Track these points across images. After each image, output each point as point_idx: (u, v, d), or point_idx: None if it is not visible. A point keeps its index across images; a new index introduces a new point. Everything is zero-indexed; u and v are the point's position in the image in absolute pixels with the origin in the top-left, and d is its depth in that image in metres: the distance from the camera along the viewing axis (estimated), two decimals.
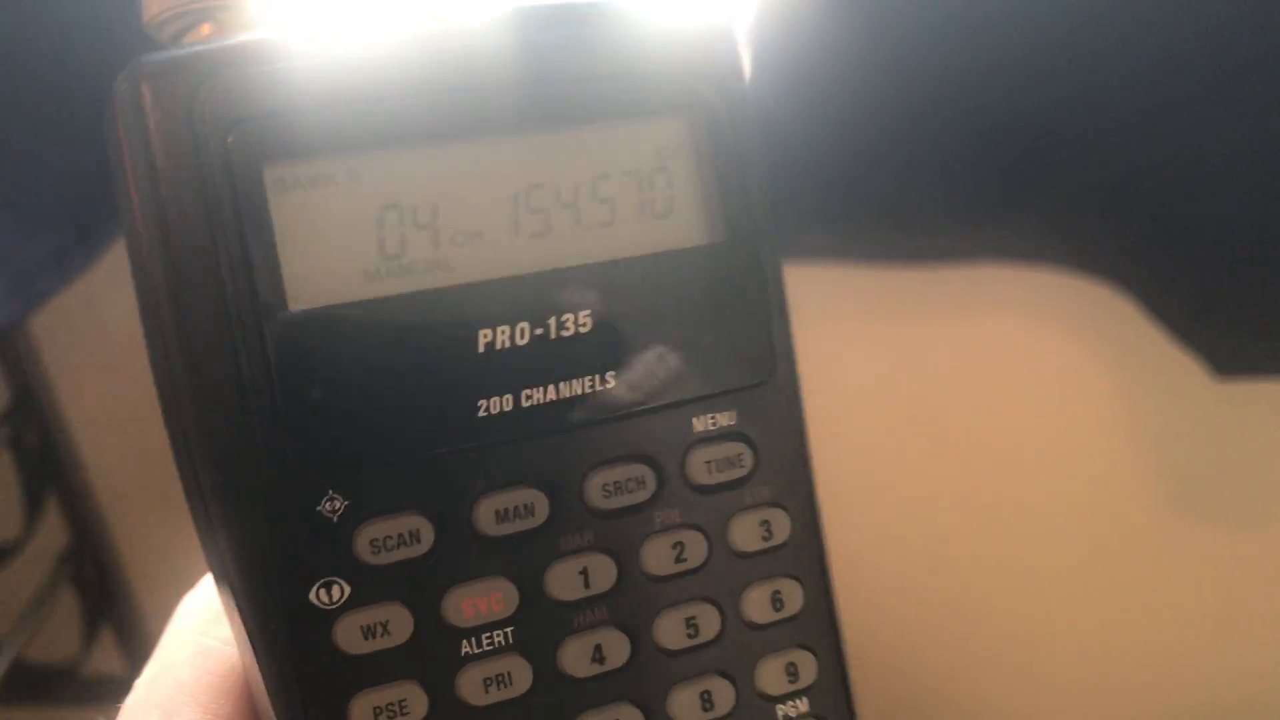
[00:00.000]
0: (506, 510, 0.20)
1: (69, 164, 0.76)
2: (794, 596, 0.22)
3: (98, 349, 0.94)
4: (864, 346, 0.79)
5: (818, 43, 0.64)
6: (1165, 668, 0.85)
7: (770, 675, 0.22)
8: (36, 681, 0.96)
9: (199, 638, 0.24)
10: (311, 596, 0.19)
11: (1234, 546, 0.80)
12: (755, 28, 0.66)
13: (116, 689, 0.86)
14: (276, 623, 0.19)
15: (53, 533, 0.94)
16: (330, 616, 0.20)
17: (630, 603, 0.21)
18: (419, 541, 0.20)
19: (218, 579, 0.21)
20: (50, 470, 0.92)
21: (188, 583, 0.94)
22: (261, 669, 0.20)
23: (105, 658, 0.99)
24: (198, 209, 0.19)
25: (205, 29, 0.20)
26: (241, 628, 0.20)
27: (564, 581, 0.21)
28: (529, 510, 0.20)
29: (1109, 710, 0.87)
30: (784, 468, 0.23)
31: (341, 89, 0.19)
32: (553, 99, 0.20)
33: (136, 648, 1.00)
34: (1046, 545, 0.83)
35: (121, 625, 1.00)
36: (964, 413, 0.80)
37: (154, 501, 1.00)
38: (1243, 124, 0.63)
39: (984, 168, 0.69)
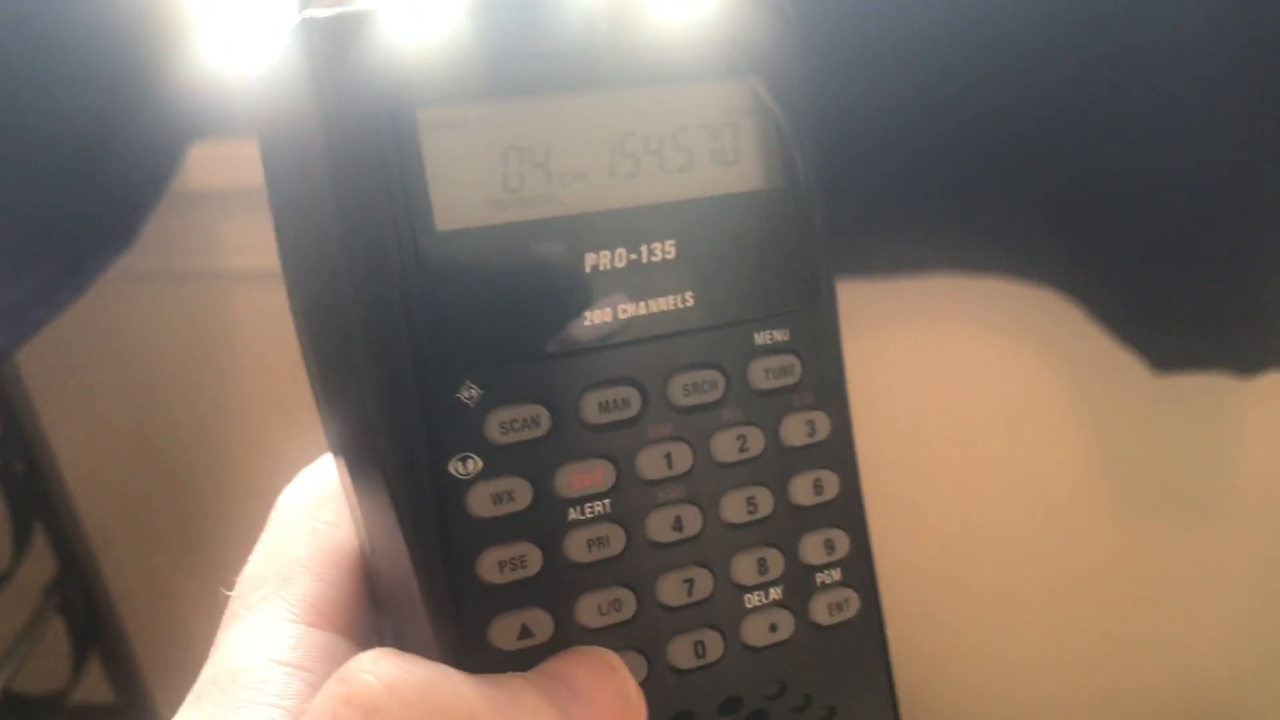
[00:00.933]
0: (607, 402, 0.24)
1: (58, 196, 0.78)
2: (832, 484, 0.27)
3: (84, 380, 0.95)
4: None
5: None
6: (1113, 653, 0.87)
7: (812, 548, 0.27)
8: (25, 711, 0.96)
9: (307, 520, 0.27)
10: (450, 468, 0.23)
11: (1178, 534, 0.83)
12: None
13: (105, 718, 0.86)
14: (421, 489, 0.23)
15: (40, 563, 0.95)
16: (465, 485, 0.23)
17: (702, 483, 0.25)
18: (538, 425, 0.24)
19: (359, 458, 0.24)
20: (37, 500, 0.94)
21: (175, 610, 0.95)
22: (403, 530, 0.23)
23: (93, 686, 1.00)
24: (364, 139, 0.22)
25: None
26: (384, 496, 0.24)
27: (651, 463, 0.25)
28: (625, 403, 0.24)
29: (1063, 695, 0.90)
30: (825, 378, 0.27)
31: (474, 47, 0.23)
32: (642, 61, 0.25)
33: (124, 676, 1.01)
34: (1000, 541, 0.86)
35: (109, 654, 1.00)
36: (917, 418, 0.83)
37: (140, 530, 1.02)
38: (1173, 136, 0.67)
39: (931, 184, 0.72)
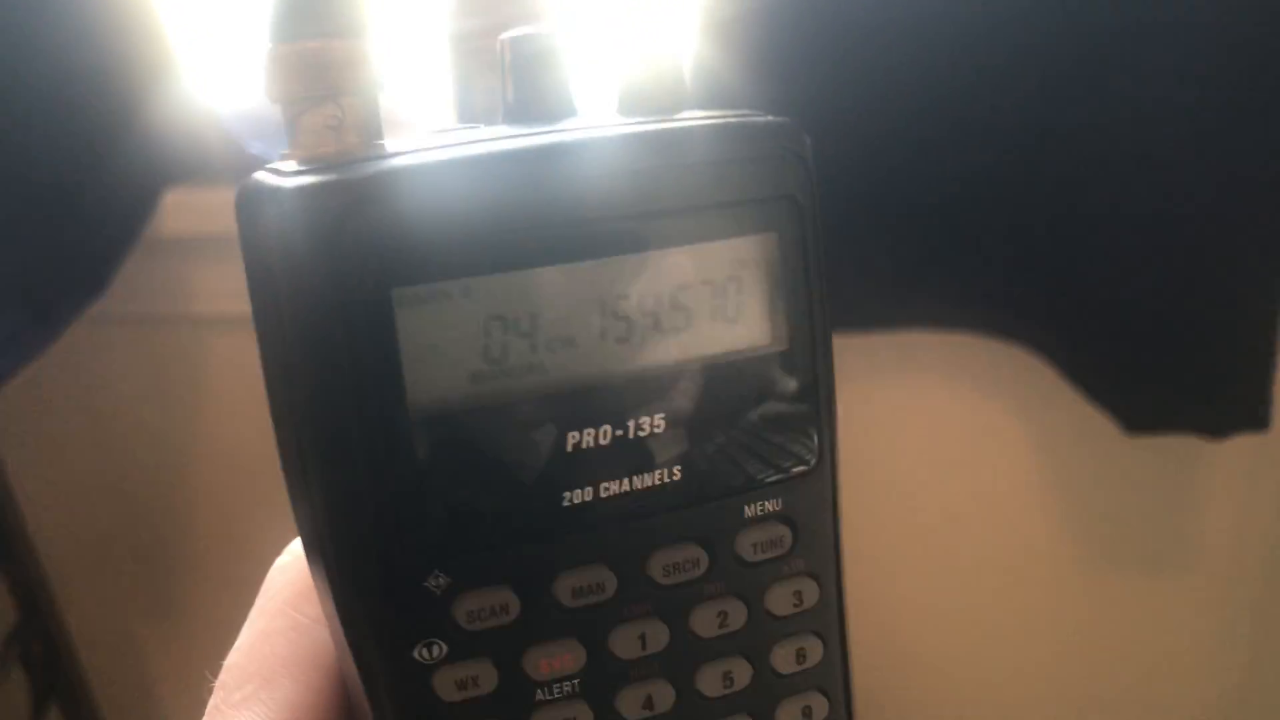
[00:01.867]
0: (581, 587, 0.23)
1: (30, 242, 0.78)
2: (815, 651, 0.25)
3: (48, 430, 0.94)
4: None
5: None
6: (1083, 705, 0.87)
7: (788, 715, 0.25)
8: None
9: (293, 613, 0.26)
10: (415, 654, 0.22)
11: (1147, 590, 0.84)
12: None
13: None
14: (384, 674, 0.22)
15: (1, 611, 0.94)
16: (430, 670, 0.22)
17: (678, 659, 0.24)
18: (507, 613, 0.22)
19: (331, 624, 0.24)
20: None
21: (138, 659, 0.93)
22: (371, 707, 0.23)
23: None
24: (336, 319, 0.21)
25: (327, 110, 0.22)
26: (353, 671, 0.23)
27: (625, 643, 0.23)
28: (600, 587, 0.23)
29: None
30: (818, 543, 0.25)
31: (459, 221, 0.21)
32: (641, 228, 0.23)
33: None
34: (971, 593, 0.86)
35: (69, 703, 0.98)
36: (890, 471, 0.83)
37: (102, 580, 1.00)
38: (1145, 202, 0.68)
39: (907, 241, 0.73)
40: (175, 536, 0.97)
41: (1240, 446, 0.72)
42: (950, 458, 0.83)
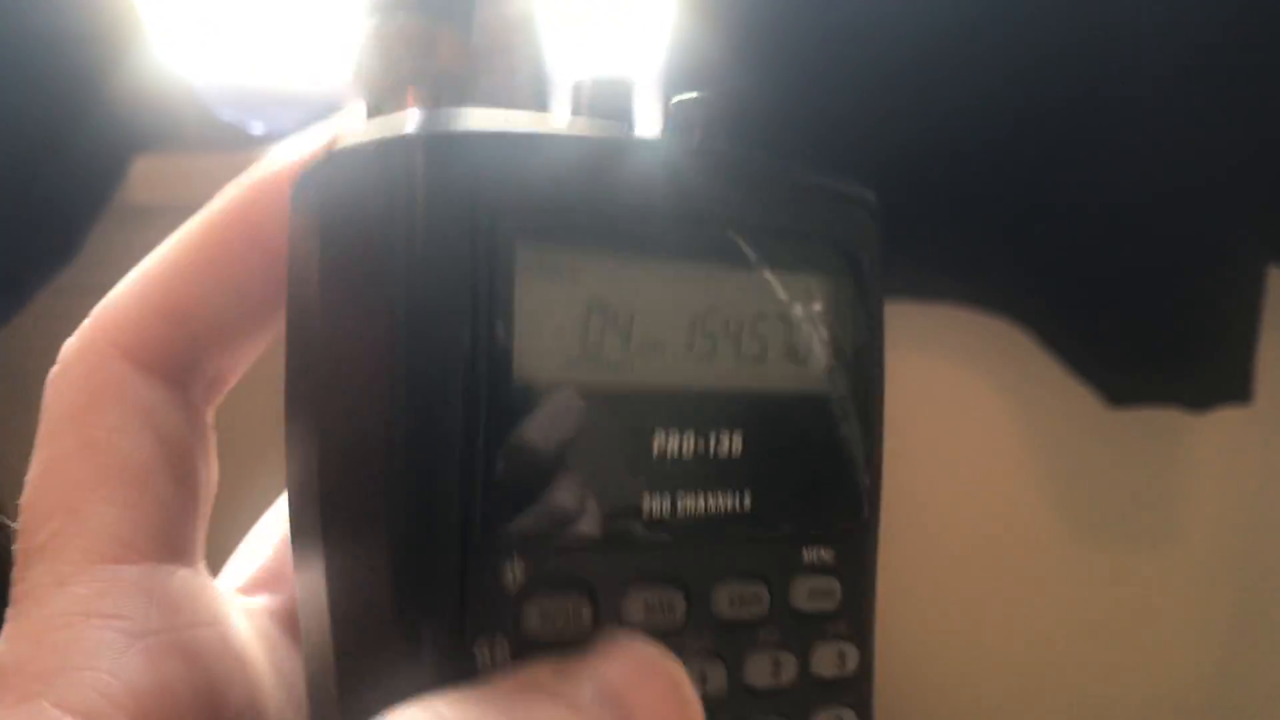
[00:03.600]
0: (653, 604, 0.22)
1: None
2: None
3: (22, 396, 0.93)
4: None
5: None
6: (1065, 680, 0.87)
7: None
8: None
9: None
10: (476, 649, 0.20)
11: (1129, 563, 0.83)
12: (668, 77, 0.69)
13: None
14: (436, 667, 0.21)
15: None
16: (486, 670, 0.21)
17: (727, 707, 0.23)
18: (579, 620, 0.21)
19: (363, 615, 0.22)
20: None
21: None
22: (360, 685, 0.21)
23: None
24: (456, 274, 0.20)
25: (411, 93, 0.22)
26: (390, 658, 0.21)
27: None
28: (670, 607, 0.22)
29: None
30: (860, 606, 0.25)
31: (579, 192, 0.21)
32: (737, 241, 0.23)
33: None
34: (952, 567, 0.85)
35: None
36: None
37: None
38: (1128, 173, 0.67)
39: (888, 212, 0.72)
40: None
41: (1223, 420, 0.72)
42: (929, 430, 0.82)
